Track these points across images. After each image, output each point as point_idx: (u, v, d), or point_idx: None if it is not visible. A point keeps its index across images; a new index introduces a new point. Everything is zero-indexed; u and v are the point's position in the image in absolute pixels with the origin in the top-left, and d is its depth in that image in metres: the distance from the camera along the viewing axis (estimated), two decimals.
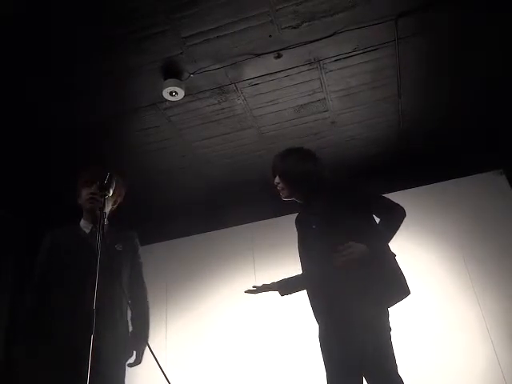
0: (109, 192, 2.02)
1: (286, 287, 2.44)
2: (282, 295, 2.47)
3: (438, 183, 4.09)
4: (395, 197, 2.34)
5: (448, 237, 3.86)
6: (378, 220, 2.28)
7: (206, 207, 4.62)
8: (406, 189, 4.05)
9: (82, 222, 2.46)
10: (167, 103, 3.36)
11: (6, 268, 4.37)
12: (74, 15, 2.65)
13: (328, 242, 2.15)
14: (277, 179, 2.36)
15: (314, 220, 2.27)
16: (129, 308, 2.41)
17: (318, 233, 2.23)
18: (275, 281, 2.46)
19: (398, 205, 2.25)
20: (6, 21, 2.63)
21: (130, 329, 2.40)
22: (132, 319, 2.41)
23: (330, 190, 2.30)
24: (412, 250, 3.81)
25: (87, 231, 2.42)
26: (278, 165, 2.38)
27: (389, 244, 2.20)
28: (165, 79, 3.11)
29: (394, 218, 2.20)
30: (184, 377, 3.94)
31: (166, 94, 3.15)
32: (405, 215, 2.21)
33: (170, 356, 4.06)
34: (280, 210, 3.73)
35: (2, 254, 4.37)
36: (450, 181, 4.06)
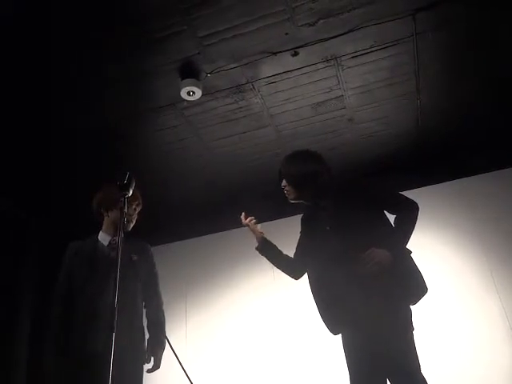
0: (129, 192, 2.03)
1: (267, 250, 2.46)
2: (256, 249, 2.48)
3: (458, 180, 4.04)
4: (414, 194, 2.33)
5: (469, 233, 3.82)
6: (387, 215, 2.27)
7: (225, 206, 4.63)
8: (425, 186, 4.02)
9: (101, 235, 2.52)
10: (185, 103, 3.38)
11: (28, 269, 4.46)
12: (93, 17, 2.68)
13: (344, 245, 2.14)
14: (283, 182, 2.37)
15: (327, 221, 2.25)
16: (144, 315, 2.49)
17: (332, 235, 2.21)
18: (266, 238, 2.48)
19: (411, 200, 2.23)
20: (24, 21, 2.68)
21: (147, 335, 2.46)
22: (148, 326, 2.48)
23: (341, 190, 2.29)
24: (433, 247, 3.79)
25: (105, 243, 2.48)
26: (282, 168, 2.38)
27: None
28: (182, 79, 3.13)
29: (410, 215, 2.18)
30: (203, 372, 3.97)
31: (183, 93, 3.17)
32: (418, 209, 2.20)
33: (190, 351, 4.10)
34: (298, 208, 3.72)
35: (23, 254, 4.45)
36: (470, 178, 4.01)
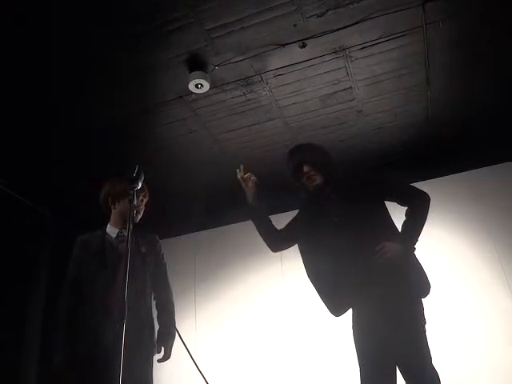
0: (138, 185, 2.05)
1: (259, 210, 2.41)
2: (248, 204, 2.41)
3: (469, 172, 4.00)
4: (424, 186, 2.32)
5: (480, 226, 3.79)
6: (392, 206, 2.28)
7: (233, 198, 4.63)
8: (435, 178, 3.99)
9: (109, 228, 2.55)
10: (193, 96, 3.38)
11: (39, 268, 4.51)
12: (101, 9, 2.68)
13: (353, 236, 2.14)
14: (306, 168, 2.32)
15: (333, 212, 2.25)
16: (154, 307, 2.51)
17: (340, 226, 2.21)
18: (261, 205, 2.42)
19: (422, 191, 2.23)
20: (32, 21, 2.69)
21: (157, 326, 2.48)
22: (158, 317, 2.50)
23: (349, 182, 2.30)
24: (443, 239, 3.79)
25: (113, 236, 2.51)
26: (306, 154, 2.36)
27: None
28: (190, 72, 3.13)
29: (422, 206, 2.19)
30: (213, 363, 4.01)
31: (191, 86, 3.17)
32: (430, 201, 2.20)
33: (200, 343, 4.13)
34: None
35: (34, 253, 4.50)
36: (479, 169, 3.98)
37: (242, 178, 2.41)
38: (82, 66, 3.05)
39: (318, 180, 2.33)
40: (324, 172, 2.32)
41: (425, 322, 2.08)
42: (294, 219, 2.49)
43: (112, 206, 2.55)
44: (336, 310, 2.23)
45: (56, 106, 3.39)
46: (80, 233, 2.62)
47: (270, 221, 2.45)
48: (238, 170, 2.42)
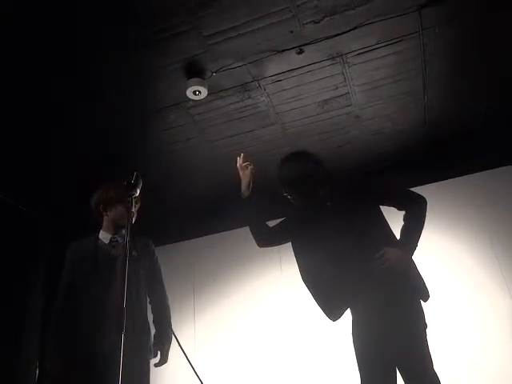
0: (136, 192, 2.03)
1: (253, 203, 2.41)
2: (242, 194, 2.43)
3: (467, 176, 4.01)
4: (422, 191, 2.31)
5: (479, 232, 3.79)
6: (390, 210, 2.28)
7: (232, 204, 4.63)
8: (433, 182, 4.00)
9: (102, 234, 2.54)
10: (191, 102, 3.38)
11: (38, 269, 4.49)
12: (99, 17, 2.69)
13: (353, 242, 2.14)
14: (284, 191, 2.36)
15: (331, 219, 2.25)
16: (150, 311, 2.50)
17: (336, 229, 2.21)
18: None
19: (419, 194, 2.23)
20: (32, 22, 2.69)
21: (153, 330, 2.47)
22: (154, 321, 2.49)
23: (346, 188, 2.31)
24: (441, 244, 3.77)
25: (106, 241, 2.50)
26: (283, 179, 2.37)
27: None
28: (188, 78, 3.13)
29: (419, 210, 2.20)
30: (212, 369, 3.99)
31: (189, 93, 3.17)
32: (427, 204, 2.20)
33: (199, 350, 4.12)
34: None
35: (32, 253, 4.48)
36: (478, 174, 3.98)
37: (240, 166, 2.46)
38: (82, 67, 3.04)
39: (297, 201, 2.36)
40: (300, 191, 2.32)
41: (426, 326, 2.07)
42: (286, 220, 2.49)
43: (104, 213, 2.53)
44: (332, 313, 2.23)
45: (56, 107, 3.37)
46: (77, 234, 2.60)
47: (262, 215, 2.44)
48: (238, 158, 2.47)
